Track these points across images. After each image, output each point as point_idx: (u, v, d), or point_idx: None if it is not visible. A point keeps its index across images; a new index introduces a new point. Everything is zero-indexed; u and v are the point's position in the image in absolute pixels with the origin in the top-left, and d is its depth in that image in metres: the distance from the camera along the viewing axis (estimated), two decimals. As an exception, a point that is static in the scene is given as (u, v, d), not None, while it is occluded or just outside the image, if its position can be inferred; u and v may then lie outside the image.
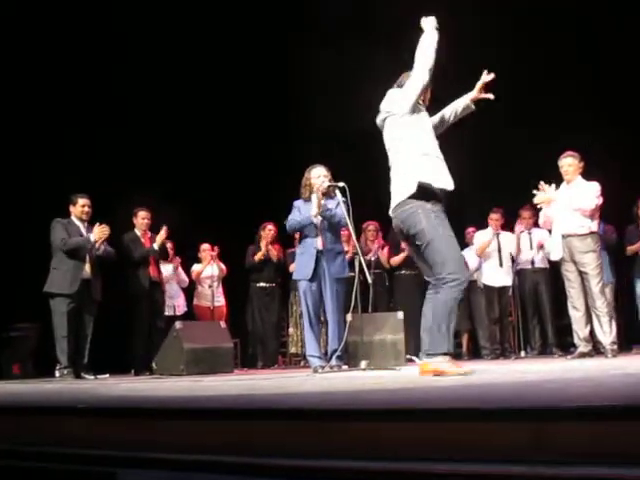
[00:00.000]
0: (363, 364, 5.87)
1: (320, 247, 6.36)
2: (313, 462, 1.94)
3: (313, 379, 5.06)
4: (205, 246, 9.51)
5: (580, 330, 6.70)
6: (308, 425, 2.06)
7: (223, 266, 9.52)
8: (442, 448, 1.82)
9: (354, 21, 9.69)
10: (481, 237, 8.99)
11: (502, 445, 1.74)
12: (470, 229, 9.40)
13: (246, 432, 2.15)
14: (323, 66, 9.54)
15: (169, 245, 8.85)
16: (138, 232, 8.33)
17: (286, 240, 9.01)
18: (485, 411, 1.88)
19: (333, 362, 6.21)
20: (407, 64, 4.56)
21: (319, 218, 6.36)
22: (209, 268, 9.41)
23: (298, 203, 6.53)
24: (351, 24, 9.68)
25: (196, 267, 9.55)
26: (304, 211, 6.44)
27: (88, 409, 2.58)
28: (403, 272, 9.29)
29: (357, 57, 9.37)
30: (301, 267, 6.46)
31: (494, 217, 8.84)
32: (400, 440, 1.90)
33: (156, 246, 8.22)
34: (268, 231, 9.30)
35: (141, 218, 8.34)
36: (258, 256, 9.21)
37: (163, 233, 8.24)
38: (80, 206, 7.62)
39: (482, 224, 9.01)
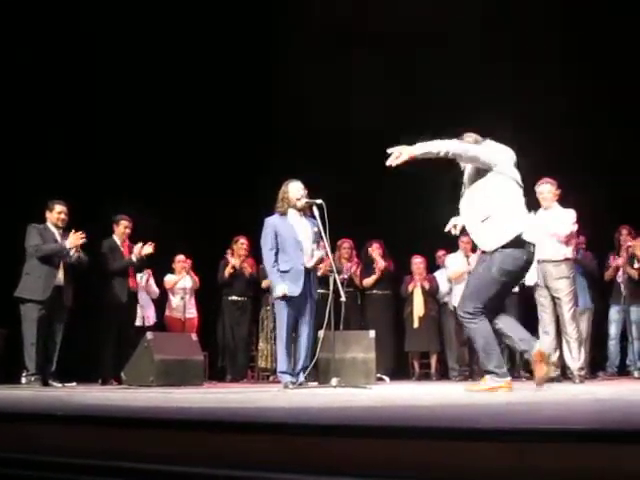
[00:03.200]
0: (334, 381, 5.84)
1: (308, 264, 6.33)
2: (288, 476, 1.95)
3: (285, 394, 5.07)
4: (180, 257, 9.45)
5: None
6: (282, 439, 2.07)
7: (196, 278, 9.48)
8: (422, 467, 1.84)
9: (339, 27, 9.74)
10: (453, 261, 9.03)
11: (484, 467, 1.76)
12: (440, 252, 9.47)
13: (219, 445, 2.16)
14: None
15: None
16: (117, 240, 8.21)
17: (259, 255, 8.96)
18: (466, 431, 1.90)
19: (302, 378, 6.21)
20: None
21: (303, 239, 6.36)
22: (183, 279, 9.38)
23: (272, 220, 6.42)
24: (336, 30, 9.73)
25: (170, 277, 9.49)
26: (282, 228, 6.39)
27: (68, 417, 2.56)
28: (375, 292, 9.35)
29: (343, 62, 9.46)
30: (289, 284, 6.25)
31: (465, 240, 8.74)
32: (378, 458, 1.91)
33: (134, 258, 8.10)
34: (240, 244, 9.26)
35: (123, 227, 8.21)
36: (228, 269, 9.18)
37: (149, 249, 8.15)
38: (57, 212, 7.53)
39: (452, 246, 9.00)
